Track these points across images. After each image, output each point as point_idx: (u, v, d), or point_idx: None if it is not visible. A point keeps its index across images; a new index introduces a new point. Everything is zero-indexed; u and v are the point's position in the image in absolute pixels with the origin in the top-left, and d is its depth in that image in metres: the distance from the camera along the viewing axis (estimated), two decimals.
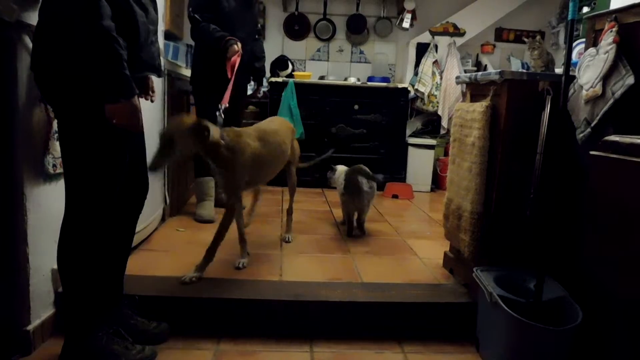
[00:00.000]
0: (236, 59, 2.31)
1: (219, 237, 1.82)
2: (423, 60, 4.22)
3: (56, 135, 1.51)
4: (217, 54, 2.41)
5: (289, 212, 2.42)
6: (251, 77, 2.93)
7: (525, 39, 1.95)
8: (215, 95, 2.70)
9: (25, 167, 1.39)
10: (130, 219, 1.50)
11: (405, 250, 2.33)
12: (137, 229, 2.07)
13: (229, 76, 2.26)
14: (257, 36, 2.86)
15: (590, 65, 1.52)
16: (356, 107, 3.97)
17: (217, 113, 1.92)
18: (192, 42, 2.81)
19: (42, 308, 1.51)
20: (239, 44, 2.37)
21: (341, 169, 2.70)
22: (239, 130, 1.90)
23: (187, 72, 2.80)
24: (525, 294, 1.50)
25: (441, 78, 4.24)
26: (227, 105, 1.97)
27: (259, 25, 2.94)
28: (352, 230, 2.55)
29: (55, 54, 1.20)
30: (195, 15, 2.48)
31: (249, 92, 3.04)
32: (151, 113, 2.26)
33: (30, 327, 1.44)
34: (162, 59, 1.99)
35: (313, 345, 1.60)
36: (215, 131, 1.70)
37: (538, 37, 1.90)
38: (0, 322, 1.37)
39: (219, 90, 2.69)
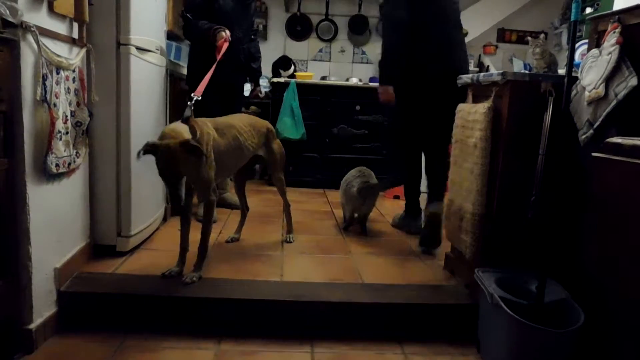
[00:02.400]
0: (222, 44, 2.33)
1: (206, 233, 1.83)
2: None
3: (59, 134, 1.51)
4: (210, 49, 2.41)
5: (285, 210, 2.42)
6: (247, 78, 2.93)
7: (529, 38, 1.94)
8: (211, 95, 2.70)
9: (28, 167, 1.39)
10: None
11: (406, 251, 2.33)
12: (139, 228, 2.09)
13: (217, 58, 2.28)
14: (253, 36, 2.86)
15: (593, 66, 1.51)
16: (358, 107, 3.96)
17: (189, 103, 1.81)
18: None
19: (44, 307, 1.52)
20: (227, 31, 2.39)
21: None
22: (199, 120, 1.81)
23: None
24: (526, 296, 1.50)
25: None
26: (200, 97, 1.92)
27: (258, 26, 2.93)
28: (350, 225, 2.60)
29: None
30: (187, 15, 2.50)
31: (247, 93, 3.03)
32: (154, 112, 2.27)
33: (32, 326, 1.45)
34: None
35: (314, 345, 1.60)
36: (193, 131, 1.66)
37: (542, 36, 1.89)
38: (2, 320, 1.37)
39: (215, 90, 2.69)
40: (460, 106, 1.95)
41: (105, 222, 1.96)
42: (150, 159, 1.75)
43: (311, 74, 4.23)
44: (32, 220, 1.42)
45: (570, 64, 1.43)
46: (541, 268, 1.47)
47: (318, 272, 1.95)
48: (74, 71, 1.62)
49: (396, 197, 3.71)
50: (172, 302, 1.66)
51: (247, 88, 3.00)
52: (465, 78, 1.98)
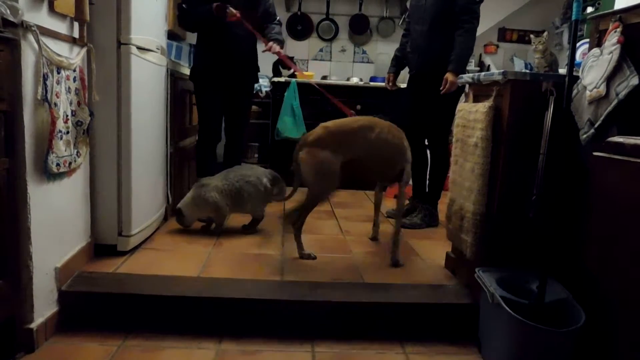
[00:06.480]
0: (233, 19, 2.49)
1: None
2: None
3: (60, 134, 1.52)
4: (216, 38, 2.54)
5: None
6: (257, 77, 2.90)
7: (532, 36, 1.94)
8: (218, 94, 2.68)
9: (29, 166, 1.40)
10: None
11: (407, 250, 2.33)
12: (140, 228, 2.09)
13: (235, 18, 2.49)
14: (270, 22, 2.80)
15: (594, 65, 1.51)
16: (358, 107, 3.96)
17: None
18: (194, 42, 2.80)
19: (45, 306, 1.52)
20: (231, 8, 2.48)
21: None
22: None
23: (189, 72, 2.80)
24: (527, 296, 1.49)
25: None
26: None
27: (278, 18, 2.87)
28: None
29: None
30: (183, 5, 2.54)
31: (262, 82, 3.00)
32: (154, 112, 2.27)
33: (33, 325, 1.45)
34: None
35: (315, 345, 1.60)
36: None
37: (545, 34, 1.88)
38: (3, 320, 1.37)
39: (223, 87, 2.67)
40: (461, 105, 1.95)
41: (106, 222, 1.96)
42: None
43: (312, 73, 4.22)
44: (33, 220, 1.42)
45: (571, 63, 1.43)
46: (542, 267, 1.46)
47: (318, 272, 1.95)
48: (74, 70, 1.62)
49: (396, 196, 3.70)
50: (173, 302, 1.66)
51: (256, 88, 2.96)
52: (466, 77, 1.98)
